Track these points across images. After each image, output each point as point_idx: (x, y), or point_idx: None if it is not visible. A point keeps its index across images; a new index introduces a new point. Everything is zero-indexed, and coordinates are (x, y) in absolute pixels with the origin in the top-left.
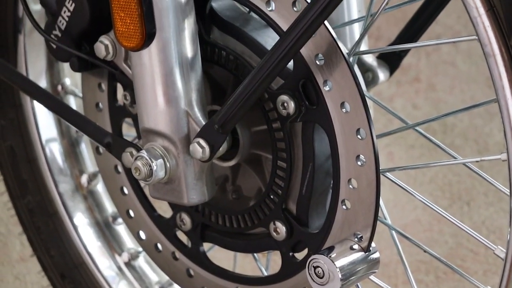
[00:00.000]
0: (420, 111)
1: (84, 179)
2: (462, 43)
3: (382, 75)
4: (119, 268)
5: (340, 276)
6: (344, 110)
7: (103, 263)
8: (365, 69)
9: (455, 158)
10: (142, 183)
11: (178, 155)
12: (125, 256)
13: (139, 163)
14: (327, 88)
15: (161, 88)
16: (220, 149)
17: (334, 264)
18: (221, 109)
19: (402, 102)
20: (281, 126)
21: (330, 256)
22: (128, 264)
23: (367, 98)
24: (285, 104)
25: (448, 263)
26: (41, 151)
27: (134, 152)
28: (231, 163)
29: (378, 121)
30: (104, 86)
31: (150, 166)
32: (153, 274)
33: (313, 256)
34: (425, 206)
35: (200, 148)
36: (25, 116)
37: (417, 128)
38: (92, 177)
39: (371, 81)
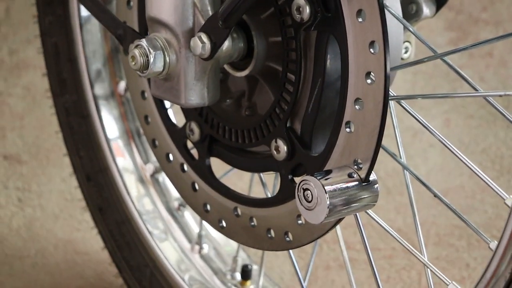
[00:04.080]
0: (486, 84)
1: (121, 86)
2: None
3: (427, 9)
4: (141, 179)
5: (328, 202)
6: (360, 19)
7: (126, 171)
8: (409, 0)
9: (476, 90)
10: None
11: (180, 50)
12: (150, 168)
13: (136, 51)
14: None
15: None
16: (229, 49)
17: (324, 188)
18: (225, 2)
19: (469, 73)
20: (295, 34)
21: (321, 180)
22: (152, 176)
23: (404, 31)
24: (300, 9)
25: (460, 213)
26: (82, 51)
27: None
28: (245, 73)
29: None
30: None
31: (147, 56)
32: (174, 190)
33: (303, 177)
34: (472, 174)
35: (200, 43)
36: (71, 13)
37: (445, 58)
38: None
39: (414, 14)
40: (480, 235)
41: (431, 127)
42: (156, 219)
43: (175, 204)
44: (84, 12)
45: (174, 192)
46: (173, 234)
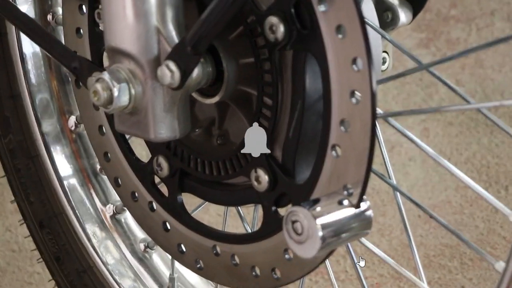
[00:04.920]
0: (463, 88)
1: (71, 121)
2: None
3: (403, 15)
4: (102, 221)
5: (320, 233)
6: (340, 35)
7: (85, 214)
8: (384, 7)
9: (468, 102)
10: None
11: (146, 81)
12: (110, 209)
13: (98, 86)
14: (322, 9)
15: None
16: (197, 75)
17: (314, 219)
18: (193, 27)
19: (445, 76)
20: (269, 55)
21: (311, 209)
22: (112, 218)
23: (382, 39)
24: (274, 28)
25: (458, 233)
26: (25, 86)
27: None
28: (215, 99)
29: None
30: (85, 8)
31: (111, 90)
32: (139, 230)
33: (291, 208)
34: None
35: (169, 72)
36: (10, 46)
37: (430, 69)
38: (80, 120)
39: (391, 22)
40: (484, 255)
41: (425, 146)
42: (122, 266)
43: (141, 246)
44: (25, 43)
45: (139, 233)
46: (142, 279)
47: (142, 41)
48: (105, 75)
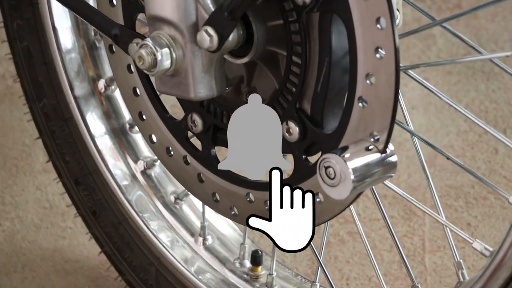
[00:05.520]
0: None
1: (101, 84)
2: None
3: None
4: (134, 176)
5: (352, 177)
6: None
7: (117, 170)
8: None
9: (481, 53)
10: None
11: (185, 45)
12: (141, 164)
13: (143, 51)
14: None
15: None
16: (231, 39)
17: (346, 164)
18: None
19: (441, 28)
20: (297, 17)
21: (343, 156)
22: (143, 173)
23: None
24: None
25: (475, 173)
26: (57, 53)
27: (140, 42)
28: (245, 59)
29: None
30: None
31: (154, 55)
32: (169, 183)
33: (324, 155)
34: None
35: (207, 36)
36: (42, 15)
37: (444, 24)
38: (109, 82)
39: None
40: (498, 190)
41: (444, 95)
42: (154, 216)
43: (172, 198)
44: (56, 12)
45: (169, 186)
46: (174, 228)
47: (182, 9)
48: (149, 41)
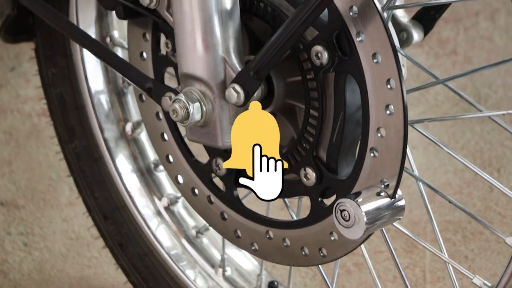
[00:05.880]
0: (455, 82)
1: (128, 127)
2: (500, 19)
3: (416, 35)
4: (158, 212)
5: (365, 219)
6: (375, 61)
7: (143, 206)
8: (400, 28)
9: (481, 111)
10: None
11: (214, 100)
12: (165, 201)
13: (176, 105)
14: (359, 39)
15: (200, 35)
16: (255, 95)
17: (360, 208)
18: (256, 56)
19: (438, 73)
20: (315, 76)
21: (357, 200)
22: (167, 209)
23: (400, 56)
24: (319, 55)
25: (472, 213)
26: (89, 99)
27: (173, 96)
28: (267, 111)
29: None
30: (148, 36)
31: (187, 109)
32: (190, 219)
33: (340, 200)
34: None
35: (235, 93)
36: (75, 65)
37: (447, 83)
38: (136, 126)
39: (405, 40)
40: (496, 232)
41: (452, 152)
42: (178, 249)
43: (193, 232)
44: (88, 63)
45: (190, 221)
46: (196, 260)
47: (212, 68)
48: (182, 97)
